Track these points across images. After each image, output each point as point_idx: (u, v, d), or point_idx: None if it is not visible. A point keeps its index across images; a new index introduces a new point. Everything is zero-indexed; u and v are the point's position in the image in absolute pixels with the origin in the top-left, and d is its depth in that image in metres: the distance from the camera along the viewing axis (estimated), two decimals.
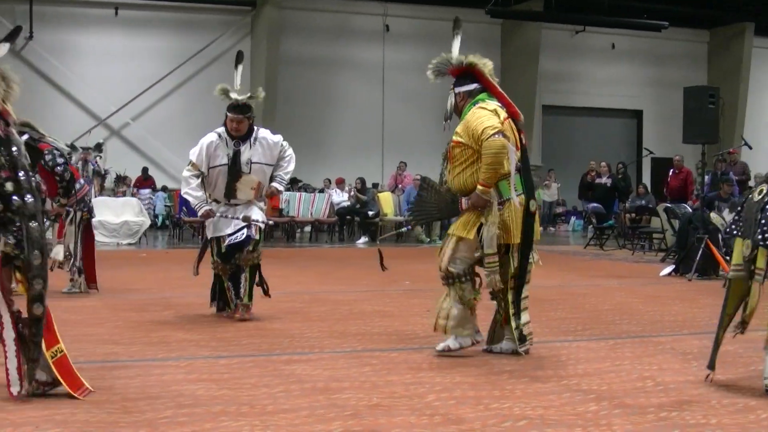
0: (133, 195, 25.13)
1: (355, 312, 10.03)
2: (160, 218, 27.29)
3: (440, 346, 7.39)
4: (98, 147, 26.02)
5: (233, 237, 9.24)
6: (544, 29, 33.42)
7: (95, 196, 23.11)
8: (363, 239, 24.40)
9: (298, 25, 30.29)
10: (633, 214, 22.61)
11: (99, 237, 21.91)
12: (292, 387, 6.14)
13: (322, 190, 26.79)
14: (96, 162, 24.95)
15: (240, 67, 9.90)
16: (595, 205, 22.94)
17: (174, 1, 29.96)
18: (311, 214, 24.38)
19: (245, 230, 9.23)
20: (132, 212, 22.36)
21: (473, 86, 7.64)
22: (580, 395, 6.01)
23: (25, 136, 10.16)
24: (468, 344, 7.40)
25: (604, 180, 24.04)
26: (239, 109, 9.38)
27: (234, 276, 9.32)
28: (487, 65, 7.76)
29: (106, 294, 11.38)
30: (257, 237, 9.33)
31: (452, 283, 7.32)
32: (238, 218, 9.23)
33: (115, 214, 22.23)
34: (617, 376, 6.69)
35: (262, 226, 9.48)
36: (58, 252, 11.07)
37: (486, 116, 7.26)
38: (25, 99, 23.60)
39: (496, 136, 7.12)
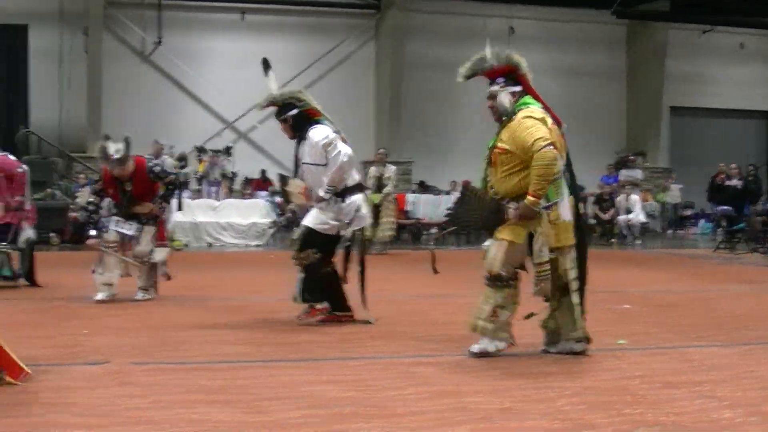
0: (251, 197, 25.38)
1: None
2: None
3: (476, 348, 7.34)
4: (227, 150, 26.41)
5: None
6: (671, 29, 32.89)
7: (223, 199, 23.54)
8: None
9: (423, 27, 30.29)
10: (764, 217, 22.14)
11: (227, 238, 22.34)
12: (421, 389, 6.14)
13: (448, 192, 26.77)
14: (224, 165, 25.33)
15: (271, 73, 9.65)
16: (725, 207, 22.53)
17: (299, 5, 30.23)
18: (437, 216, 24.35)
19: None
20: (259, 214, 22.64)
21: (518, 88, 7.49)
22: (714, 402, 5.89)
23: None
24: (504, 347, 7.38)
25: (735, 182, 23.61)
26: (277, 113, 9.33)
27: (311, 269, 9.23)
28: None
29: (235, 295, 11.54)
30: (294, 237, 9.29)
31: (499, 286, 7.27)
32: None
33: (243, 216, 22.54)
34: (752, 382, 6.55)
35: (306, 225, 9.21)
36: (161, 253, 11.18)
37: (535, 126, 7.15)
38: (155, 103, 24.33)
39: (548, 147, 7.04)
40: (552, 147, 7.05)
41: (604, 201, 25.92)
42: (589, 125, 30.05)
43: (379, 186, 20.07)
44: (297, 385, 6.23)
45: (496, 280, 7.26)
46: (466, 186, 7.81)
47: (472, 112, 30.18)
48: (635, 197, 25.88)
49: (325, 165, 9.03)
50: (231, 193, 24.95)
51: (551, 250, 7.22)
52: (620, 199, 25.80)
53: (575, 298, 7.35)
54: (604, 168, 28.75)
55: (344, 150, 9.00)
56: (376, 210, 19.84)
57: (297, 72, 29.38)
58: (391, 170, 20.38)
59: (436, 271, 8.25)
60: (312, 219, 9.16)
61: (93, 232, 10.80)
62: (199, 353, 7.54)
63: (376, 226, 19.98)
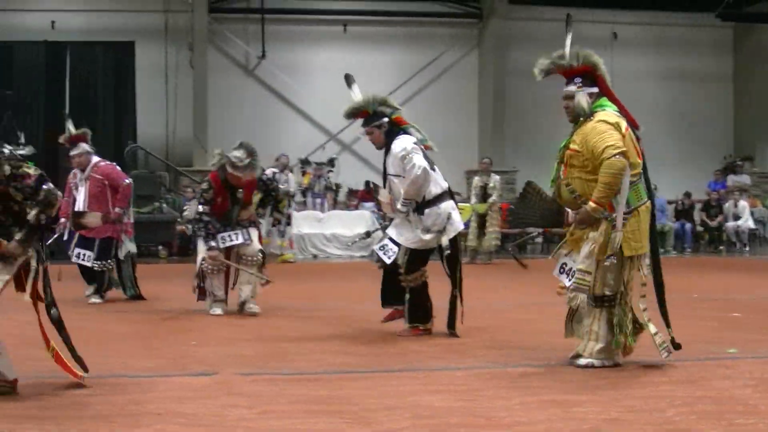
0: (356, 208, 25.43)
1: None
2: None
3: (582, 362, 7.22)
4: (331, 162, 26.53)
5: (386, 250, 9.03)
6: None
7: (328, 210, 23.68)
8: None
9: (525, 35, 30.05)
10: None
11: (332, 250, 22.45)
12: (528, 399, 6.09)
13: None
14: (328, 176, 25.45)
15: (355, 87, 9.49)
16: None
17: (401, 16, 30.25)
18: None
19: (385, 250, 9.02)
20: (364, 225, 22.69)
21: (595, 89, 7.36)
22: None
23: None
24: (611, 364, 7.22)
25: None
26: (363, 122, 9.18)
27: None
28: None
29: (340, 306, 11.59)
30: (387, 261, 8.94)
31: (606, 306, 7.14)
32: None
33: (348, 227, 22.62)
34: None
35: (406, 246, 8.94)
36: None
37: (607, 132, 7.03)
38: (259, 116, 24.57)
39: (617, 157, 6.92)
40: (622, 156, 6.94)
41: (712, 207, 25.54)
42: (695, 130, 29.61)
43: (484, 195, 20.05)
44: (402, 396, 6.21)
45: (600, 301, 7.15)
46: (529, 184, 7.68)
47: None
48: (743, 203, 25.46)
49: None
50: (336, 204, 25.07)
51: (625, 257, 7.11)
52: (728, 205, 25.41)
53: (642, 304, 7.18)
54: (711, 174, 28.29)
55: (418, 163, 8.80)
56: (482, 219, 19.82)
57: (400, 83, 29.41)
58: (495, 179, 20.33)
59: (524, 266, 8.21)
60: (406, 238, 8.95)
61: (213, 243, 10.69)
62: (304, 363, 7.57)
63: (482, 235, 19.95)
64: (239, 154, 10.76)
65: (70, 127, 12.16)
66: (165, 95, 28.95)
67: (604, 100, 7.34)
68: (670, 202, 26.09)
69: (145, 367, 7.41)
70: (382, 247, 9.00)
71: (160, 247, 22.62)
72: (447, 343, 8.56)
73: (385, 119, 9.12)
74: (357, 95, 9.28)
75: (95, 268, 12.08)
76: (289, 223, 20.58)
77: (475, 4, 30.47)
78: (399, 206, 8.89)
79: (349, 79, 9.55)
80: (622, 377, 6.89)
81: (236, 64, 29.70)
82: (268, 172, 11.42)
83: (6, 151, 16.27)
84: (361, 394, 6.26)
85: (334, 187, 25.67)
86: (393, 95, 29.14)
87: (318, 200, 24.35)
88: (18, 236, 6.03)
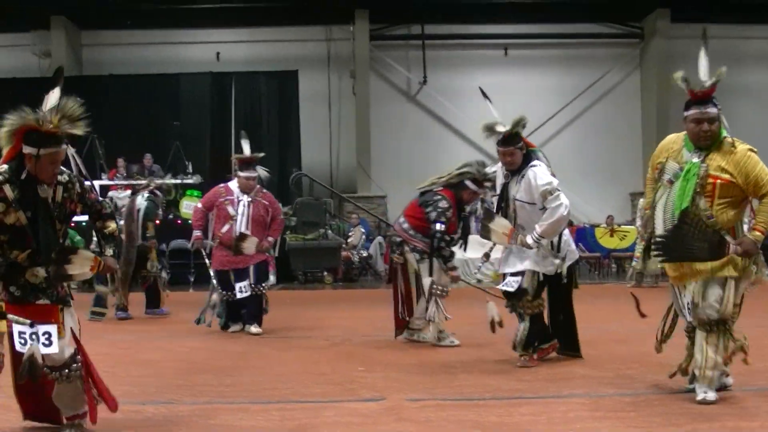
0: None
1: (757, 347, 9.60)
2: None
3: (707, 396, 6.75)
4: (493, 186, 26.46)
5: (506, 282, 8.84)
6: None
7: None
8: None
9: (687, 53, 29.34)
10: None
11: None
12: (701, 426, 5.96)
13: None
14: (491, 201, 25.34)
15: (490, 105, 9.22)
16: None
17: (562, 38, 30.07)
18: None
19: (519, 280, 8.75)
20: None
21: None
22: None
23: None
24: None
25: None
26: (505, 141, 8.76)
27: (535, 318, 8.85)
28: None
29: (503, 330, 11.51)
30: (525, 286, 8.70)
31: (723, 330, 6.79)
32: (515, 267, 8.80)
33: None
34: None
35: (534, 271, 8.74)
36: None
37: (762, 164, 6.69)
38: (421, 141, 24.68)
39: None
40: None
41: None
42: None
43: None
44: (570, 422, 6.16)
45: (719, 324, 6.80)
46: (686, 213, 6.73)
47: (743, 137, 29.34)
48: None
49: (542, 209, 8.63)
50: None
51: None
52: None
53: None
54: None
55: (565, 202, 8.57)
56: (649, 241, 19.46)
57: (561, 105, 29.25)
58: None
59: (642, 315, 7.85)
60: (535, 262, 8.73)
61: (452, 264, 10.50)
62: (472, 389, 7.55)
63: (648, 258, 19.59)
64: (488, 169, 10.45)
65: (246, 147, 11.86)
66: (328, 123, 29.41)
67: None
68: None
69: (314, 393, 7.48)
70: (505, 284, 8.83)
71: (325, 273, 22.88)
72: (615, 368, 8.42)
73: (520, 142, 8.89)
74: (494, 111, 9.08)
75: (254, 293, 11.77)
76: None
77: (636, 24, 30.10)
78: (530, 241, 8.60)
79: (484, 94, 9.41)
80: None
81: (397, 90, 29.96)
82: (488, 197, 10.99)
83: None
84: (529, 420, 6.23)
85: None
86: (555, 118, 29.24)
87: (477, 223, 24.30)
88: (109, 251, 6.07)
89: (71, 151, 6.03)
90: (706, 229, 6.67)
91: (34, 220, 5.60)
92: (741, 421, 6.12)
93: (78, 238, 22.07)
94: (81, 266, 5.65)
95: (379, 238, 25.39)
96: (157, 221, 15.08)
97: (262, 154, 12.10)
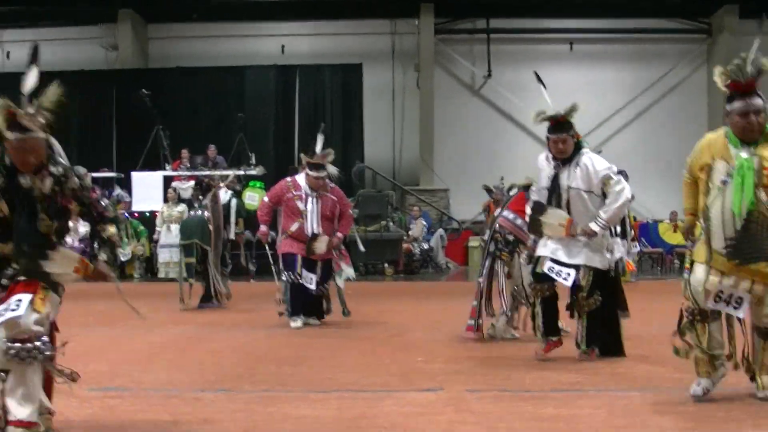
0: None
1: None
2: None
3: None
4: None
5: (557, 271, 8.47)
6: None
7: None
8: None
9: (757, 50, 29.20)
10: None
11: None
12: (762, 421, 5.89)
13: None
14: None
15: (543, 90, 9.10)
16: None
17: (628, 33, 29.86)
18: None
19: (573, 273, 8.43)
20: None
21: None
22: None
23: None
24: None
25: None
26: (558, 127, 8.55)
27: (547, 303, 8.66)
28: None
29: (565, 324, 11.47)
30: (583, 283, 8.47)
31: None
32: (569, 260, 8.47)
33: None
34: None
35: (591, 267, 8.50)
36: None
37: None
38: (485, 136, 24.65)
39: None
40: None
41: None
42: None
43: None
44: (631, 415, 6.11)
45: None
46: (752, 212, 6.38)
47: None
48: None
49: (599, 196, 8.48)
50: None
51: None
52: None
53: None
54: None
55: (627, 186, 8.46)
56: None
57: (627, 101, 29.09)
58: None
59: None
60: (589, 258, 8.51)
61: None
62: (532, 382, 7.51)
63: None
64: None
65: (320, 144, 11.65)
66: (392, 116, 29.46)
67: None
68: None
69: (374, 383, 7.50)
70: (556, 272, 8.48)
71: (386, 265, 22.91)
72: (677, 364, 8.32)
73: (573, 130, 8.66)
74: (547, 96, 8.92)
75: (317, 293, 11.64)
76: None
77: (704, 19, 29.82)
78: (597, 228, 8.39)
79: (538, 78, 9.25)
80: None
81: (462, 84, 29.95)
82: None
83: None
84: (588, 414, 6.18)
85: None
86: (619, 114, 29.04)
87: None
88: (103, 256, 5.64)
89: (53, 140, 5.58)
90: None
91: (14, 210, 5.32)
92: None
93: (141, 228, 22.37)
94: (62, 265, 5.36)
95: (441, 231, 25.42)
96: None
97: (332, 155, 11.75)
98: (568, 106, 8.58)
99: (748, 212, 6.35)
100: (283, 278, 11.64)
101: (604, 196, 8.48)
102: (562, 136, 8.52)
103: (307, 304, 11.70)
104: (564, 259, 8.49)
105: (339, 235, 11.78)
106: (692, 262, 6.70)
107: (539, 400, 6.67)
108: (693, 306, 6.62)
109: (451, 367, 8.30)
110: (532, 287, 8.80)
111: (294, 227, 11.51)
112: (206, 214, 13.98)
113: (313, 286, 11.52)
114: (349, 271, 12.10)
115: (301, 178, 11.69)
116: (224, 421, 6.00)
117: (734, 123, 6.49)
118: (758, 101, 6.45)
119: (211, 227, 13.89)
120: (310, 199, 11.55)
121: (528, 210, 8.88)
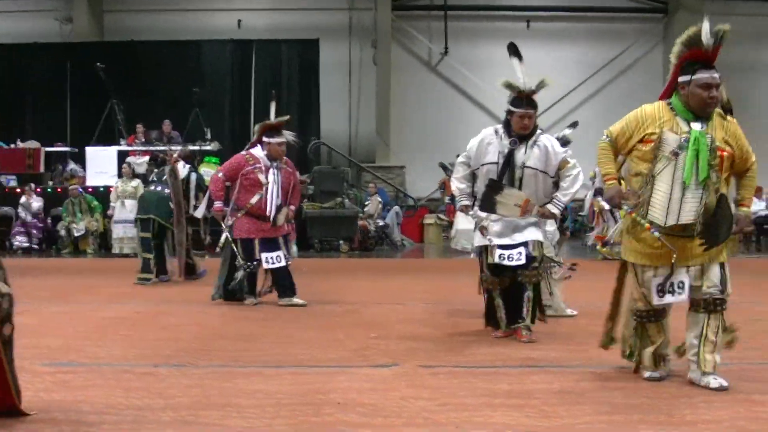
0: None
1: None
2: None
3: (722, 383, 6.25)
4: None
5: (508, 255, 8.42)
6: None
7: None
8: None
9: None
10: None
11: None
12: (713, 398, 5.95)
13: None
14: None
15: (518, 63, 8.67)
16: None
17: (585, 12, 29.97)
18: None
19: (523, 251, 8.39)
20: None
21: None
22: None
23: None
24: None
25: None
26: (527, 101, 8.42)
27: (507, 293, 8.63)
28: None
29: None
30: (535, 254, 8.43)
31: (724, 310, 6.45)
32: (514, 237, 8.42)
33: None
34: None
35: (540, 241, 8.55)
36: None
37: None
38: (441, 112, 24.64)
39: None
40: None
41: None
42: None
43: None
44: (582, 391, 6.16)
45: (723, 304, 6.44)
46: (723, 196, 6.32)
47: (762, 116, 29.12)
48: None
49: (553, 177, 8.48)
50: None
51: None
52: None
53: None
54: None
55: (581, 170, 8.54)
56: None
57: (583, 79, 29.21)
58: None
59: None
60: (536, 233, 8.49)
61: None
62: (485, 357, 7.57)
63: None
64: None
65: (272, 111, 11.44)
66: (348, 92, 29.45)
67: None
68: None
69: (329, 358, 7.52)
70: (507, 257, 8.41)
71: (342, 242, 22.91)
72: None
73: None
74: (519, 71, 8.61)
75: (288, 264, 11.34)
76: None
77: None
78: (555, 211, 8.48)
79: (517, 50, 8.85)
80: None
81: (419, 61, 30.00)
82: None
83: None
84: (541, 389, 6.23)
85: None
86: (576, 91, 29.15)
87: None
88: None
89: None
90: (731, 210, 6.35)
91: None
92: (749, 393, 6.11)
93: (96, 203, 22.25)
94: None
95: (396, 208, 25.44)
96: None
97: (287, 117, 11.61)
98: (538, 82, 8.49)
99: (720, 197, 6.27)
100: (240, 265, 11.32)
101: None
102: (529, 112, 8.43)
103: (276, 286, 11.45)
104: (509, 242, 8.45)
105: (292, 207, 11.63)
106: (625, 263, 6.77)
107: (492, 376, 6.72)
108: (646, 307, 6.64)
109: (405, 343, 8.32)
110: (490, 281, 8.67)
111: (254, 200, 11.19)
112: (167, 190, 13.91)
113: (281, 263, 11.24)
114: (294, 248, 11.93)
115: (257, 151, 11.37)
116: (177, 395, 5.99)
117: (694, 95, 6.36)
118: (716, 75, 6.35)
119: (172, 205, 13.82)
120: (271, 170, 11.28)
121: (482, 186, 8.55)
